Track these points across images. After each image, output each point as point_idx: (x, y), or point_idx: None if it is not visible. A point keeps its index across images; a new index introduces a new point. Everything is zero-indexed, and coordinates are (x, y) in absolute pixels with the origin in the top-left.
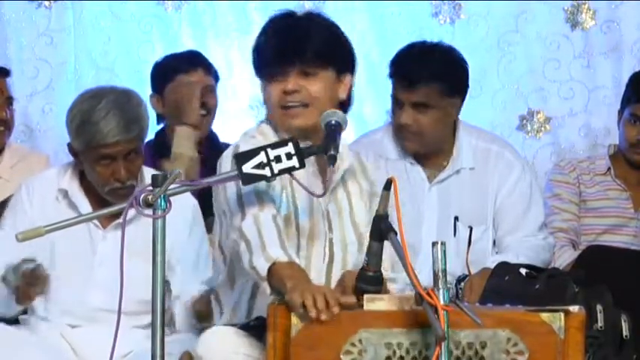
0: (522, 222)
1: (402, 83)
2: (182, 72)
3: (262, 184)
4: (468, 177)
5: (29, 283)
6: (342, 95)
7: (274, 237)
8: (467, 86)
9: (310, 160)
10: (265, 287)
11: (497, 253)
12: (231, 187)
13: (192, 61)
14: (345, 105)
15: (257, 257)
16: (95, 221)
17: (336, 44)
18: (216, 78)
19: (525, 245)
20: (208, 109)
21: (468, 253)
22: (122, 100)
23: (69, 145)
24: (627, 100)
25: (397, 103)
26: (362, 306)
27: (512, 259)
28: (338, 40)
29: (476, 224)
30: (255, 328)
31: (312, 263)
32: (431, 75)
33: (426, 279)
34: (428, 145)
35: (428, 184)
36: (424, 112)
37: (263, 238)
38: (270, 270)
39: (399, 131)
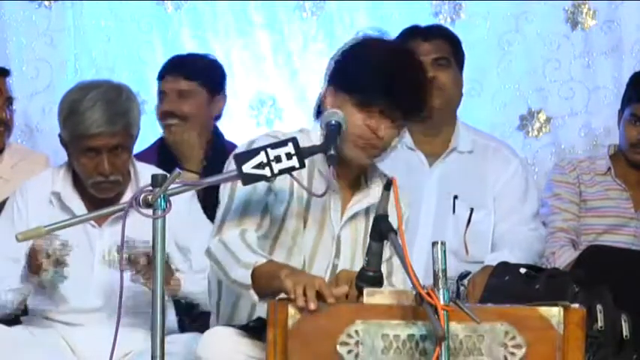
0: (517, 210)
1: (420, 40)
2: (160, 79)
3: (261, 193)
4: (467, 160)
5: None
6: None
7: (243, 248)
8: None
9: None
10: (252, 295)
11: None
12: (225, 198)
13: (167, 67)
14: None
15: (234, 271)
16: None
17: (426, 105)
18: (202, 80)
19: (518, 237)
20: (181, 117)
21: (466, 232)
22: (111, 93)
23: (60, 135)
24: (627, 100)
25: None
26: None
27: (507, 255)
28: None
29: (476, 207)
30: (255, 329)
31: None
32: (445, 33)
33: (423, 265)
34: (449, 105)
35: (428, 168)
36: (444, 70)
37: (233, 252)
38: (253, 275)
39: None
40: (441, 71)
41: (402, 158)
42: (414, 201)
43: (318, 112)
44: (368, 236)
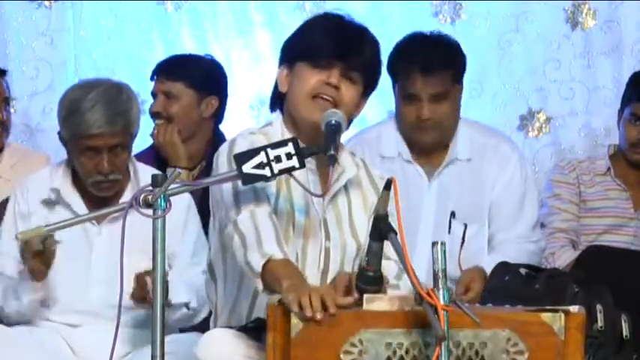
0: (517, 219)
1: (419, 74)
2: (151, 80)
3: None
4: (465, 169)
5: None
6: (356, 114)
7: (270, 233)
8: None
9: (311, 162)
10: (258, 283)
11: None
12: (228, 187)
13: (156, 68)
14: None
15: (252, 253)
16: None
17: (378, 64)
18: (189, 81)
19: (517, 247)
20: (168, 118)
21: (460, 252)
22: (112, 92)
23: (59, 133)
24: (627, 99)
25: (410, 99)
26: (361, 306)
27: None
28: (379, 61)
29: (471, 221)
30: (254, 330)
31: (307, 267)
32: (445, 61)
33: (422, 278)
34: (445, 135)
35: (427, 181)
36: (442, 103)
37: (259, 233)
38: (264, 267)
39: (414, 127)
40: (437, 106)
41: (400, 171)
42: (412, 216)
43: (274, 100)
44: (352, 210)
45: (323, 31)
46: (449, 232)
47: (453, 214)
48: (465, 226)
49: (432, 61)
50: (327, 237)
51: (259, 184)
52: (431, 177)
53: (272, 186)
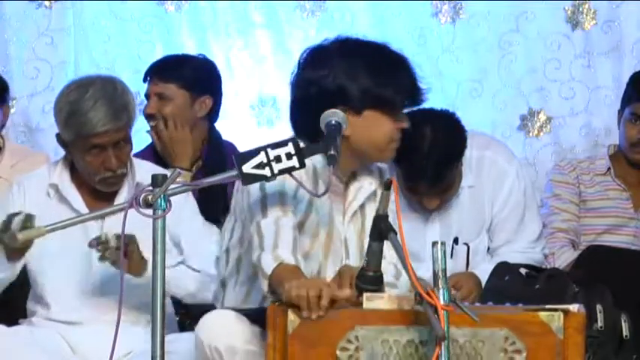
0: (518, 235)
1: (426, 188)
2: (144, 82)
3: (289, 189)
4: (466, 194)
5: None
6: None
7: (289, 241)
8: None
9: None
10: (264, 284)
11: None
12: (256, 191)
13: (149, 70)
14: None
15: (266, 254)
16: (87, 212)
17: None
18: (182, 82)
19: (521, 256)
20: (163, 119)
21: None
22: (109, 88)
23: (57, 135)
24: (627, 99)
25: (413, 191)
26: (361, 304)
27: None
28: None
29: (472, 239)
30: (254, 314)
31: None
32: (453, 168)
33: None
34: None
35: (430, 215)
36: (449, 188)
37: (278, 238)
38: (274, 270)
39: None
40: (443, 193)
41: (402, 200)
42: (416, 246)
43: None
44: (365, 225)
45: (392, 81)
46: (451, 256)
47: (455, 241)
48: (468, 247)
49: (439, 182)
50: (347, 255)
51: (290, 192)
52: (434, 211)
53: (302, 202)
